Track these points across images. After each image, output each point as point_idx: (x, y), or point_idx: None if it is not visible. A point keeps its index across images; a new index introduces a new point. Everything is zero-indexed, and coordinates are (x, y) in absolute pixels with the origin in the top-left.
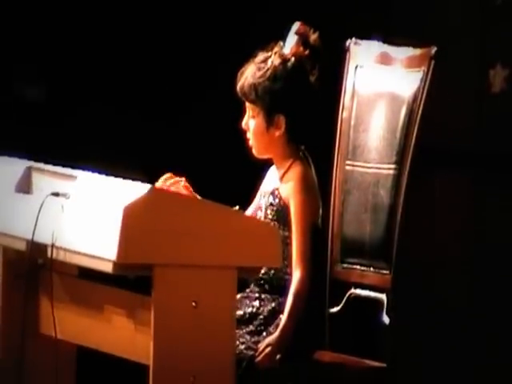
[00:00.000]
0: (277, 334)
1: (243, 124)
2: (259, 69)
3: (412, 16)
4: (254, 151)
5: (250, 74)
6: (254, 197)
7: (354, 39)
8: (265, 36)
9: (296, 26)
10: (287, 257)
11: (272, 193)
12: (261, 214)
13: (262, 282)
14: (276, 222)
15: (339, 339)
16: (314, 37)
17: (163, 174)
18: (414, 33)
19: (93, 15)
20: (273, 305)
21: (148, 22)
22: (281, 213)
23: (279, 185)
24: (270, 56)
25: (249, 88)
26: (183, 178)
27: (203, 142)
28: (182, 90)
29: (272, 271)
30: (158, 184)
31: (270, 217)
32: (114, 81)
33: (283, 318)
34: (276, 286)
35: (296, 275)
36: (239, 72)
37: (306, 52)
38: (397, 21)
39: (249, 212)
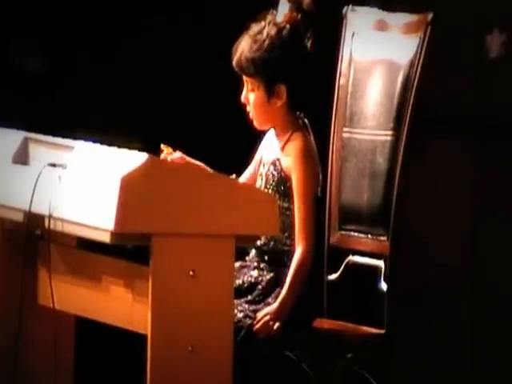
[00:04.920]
0: (276, 304)
1: (242, 98)
2: (255, 41)
3: None
4: (256, 123)
5: (245, 48)
6: (248, 163)
7: (350, 6)
8: (260, 3)
9: None
10: (287, 228)
11: (273, 163)
12: (261, 183)
13: (261, 252)
14: (276, 193)
15: (337, 306)
16: (306, 1)
17: (160, 143)
18: None
19: None
20: (272, 275)
21: None
22: (281, 184)
23: (280, 155)
24: (265, 27)
25: (246, 62)
26: (179, 152)
27: (201, 111)
28: (179, 59)
29: (272, 242)
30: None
31: (270, 187)
32: (111, 49)
33: (284, 288)
34: (275, 256)
35: (299, 248)
36: (234, 46)
37: (299, 16)
38: None
39: (245, 176)
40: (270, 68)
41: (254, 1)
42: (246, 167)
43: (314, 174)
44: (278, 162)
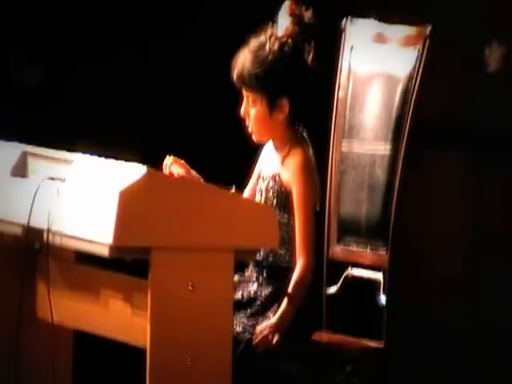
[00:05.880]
0: (276, 318)
1: (242, 112)
2: (257, 56)
3: None
4: (255, 137)
5: (247, 63)
6: (250, 176)
7: (349, 19)
8: (258, 16)
9: (287, 5)
10: (286, 243)
11: (273, 178)
12: (260, 198)
13: (260, 266)
14: (276, 207)
15: (337, 319)
16: (308, 14)
17: (160, 155)
18: (409, 11)
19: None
20: (271, 289)
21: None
22: (282, 198)
23: (280, 169)
24: (266, 41)
25: (249, 76)
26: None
27: (200, 124)
28: (178, 72)
29: (271, 257)
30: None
31: (270, 202)
32: (110, 62)
33: (283, 302)
34: (274, 271)
35: (300, 262)
36: (233, 60)
37: (301, 30)
38: None
39: (246, 194)
40: (273, 82)
41: (253, 14)
42: (245, 179)
43: (313, 188)
44: (277, 177)
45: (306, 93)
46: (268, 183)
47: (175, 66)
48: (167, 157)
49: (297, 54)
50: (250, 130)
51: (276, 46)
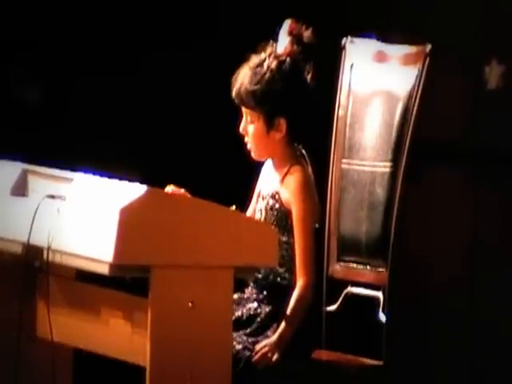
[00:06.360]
0: (275, 336)
1: (241, 129)
2: (255, 74)
3: (407, 12)
4: (254, 155)
5: (246, 80)
6: (251, 196)
7: (349, 37)
8: (260, 34)
9: (287, 23)
10: (286, 262)
11: (272, 196)
12: (260, 217)
13: (260, 285)
14: (276, 226)
15: (336, 337)
16: (307, 34)
17: (160, 175)
18: (409, 29)
19: (89, 15)
20: (270, 308)
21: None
22: (281, 217)
23: (279, 188)
24: (265, 59)
25: (247, 95)
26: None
27: (199, 143)
28: (178, 91)
29: (271, 276)
30: None
31: (270, 220)
32: (110, 82)
33: (283, 321)
34: (274, 290)
35: (300, 282)
36: (233, 77)
37: (300, 49)
38: (392, 17)
39: (248, 213)
40: (270, 101)
41: (254, 31)
42: (246, 198)
43: (313, 207)
44: (277, 196)
45: (304, 112)
46: (267, 202)
47: (176, 85)
48: (167, 186)
49: (295, 72)
50: (248, 147)
51: (274, 65)
